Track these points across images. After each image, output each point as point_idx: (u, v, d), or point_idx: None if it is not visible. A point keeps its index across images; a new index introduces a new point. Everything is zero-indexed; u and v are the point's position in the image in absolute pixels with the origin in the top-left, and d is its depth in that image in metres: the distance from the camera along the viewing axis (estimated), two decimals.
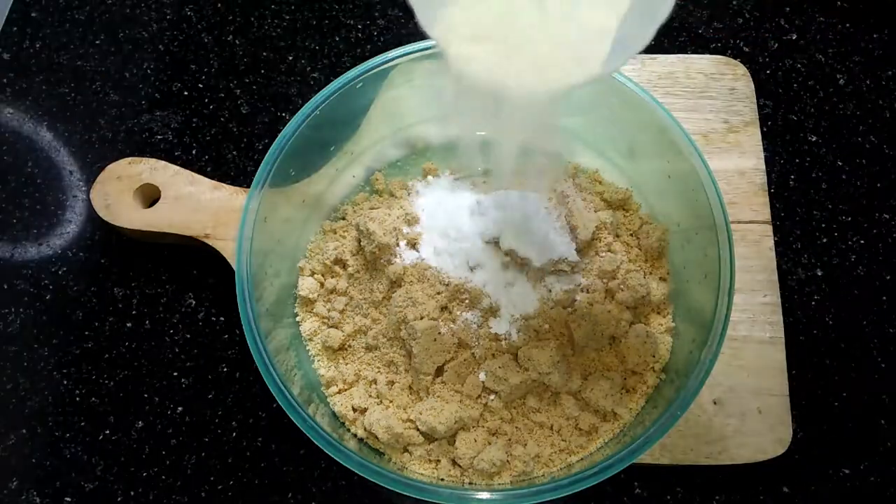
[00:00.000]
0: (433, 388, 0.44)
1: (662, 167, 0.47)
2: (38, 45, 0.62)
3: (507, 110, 0.34)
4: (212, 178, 0.52)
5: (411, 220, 0.47)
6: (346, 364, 0.46)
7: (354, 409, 0.44)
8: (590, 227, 0.46)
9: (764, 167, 0.53)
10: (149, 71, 0.61)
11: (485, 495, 0.38)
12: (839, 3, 0.63)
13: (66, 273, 0.53)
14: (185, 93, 0.60)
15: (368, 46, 0.61)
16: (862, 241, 0.53)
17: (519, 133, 0.37)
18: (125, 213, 0.51)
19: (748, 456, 0.45)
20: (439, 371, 0.44)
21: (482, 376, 0.43)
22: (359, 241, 0.48)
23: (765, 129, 0.56)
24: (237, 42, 0.62)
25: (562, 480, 0.38)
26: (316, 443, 0.39)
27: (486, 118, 0.36)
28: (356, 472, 0.38)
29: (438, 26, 0.31)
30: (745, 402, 0.46)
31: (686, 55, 0.57)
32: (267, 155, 0.45)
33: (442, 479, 0.42)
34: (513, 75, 0.31)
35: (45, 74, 0.60)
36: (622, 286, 0.45)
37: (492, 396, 0.44)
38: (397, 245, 0.46)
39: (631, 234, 0.49)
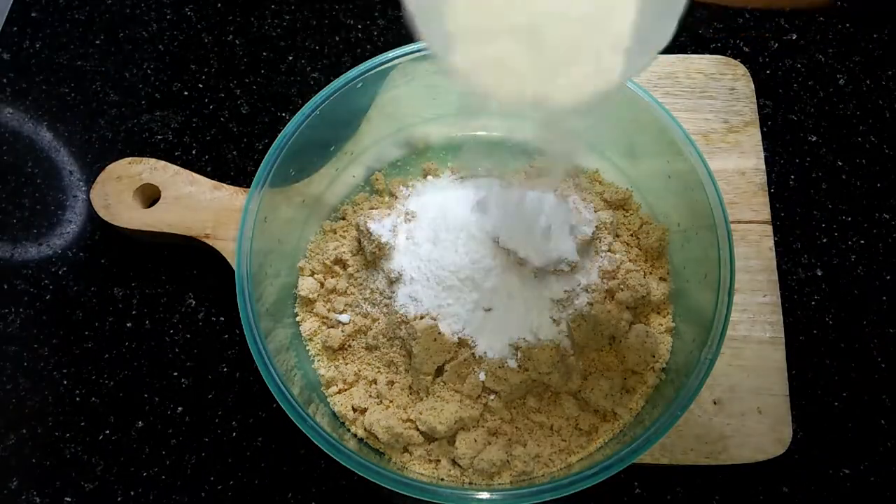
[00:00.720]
0: (433, 388, 0.44)
1: (662, 167, 0.47)
2: (38, 45, 0.62)
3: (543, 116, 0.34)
4: (212, 178, 0.52)
5: (411, 220, 0.47)
6: (346, 364, 0.46)
7: (354, 409, 0.44)
8: (590, 227, 0.46)
9: (764, 167, 0.53)
10: (149, 71, 0.61)
11: (485, 495, 0.38)
12: (839, 3, 0.63)
13: (66, 273, 0.53)
14: (185, 93, 0.60)
15: (368, 46, 0.61)
16: (862, 241, 0.53)
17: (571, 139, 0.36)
18: (125, 213, 0.51)
19: (748, 456, 0.45)
20: (439, 371, 0.44)
21: (482, 376, 0.43)
22: (359, 241, 0.48)
23: (765, 129, 0.56)
24: (237, 42, 0.62)
25: (562, 480, 0.38)
26: (316, 443, 0.39)
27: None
28: (356, 472, 0.38)
29: (451, 54, 0.29)
30: (745, 402, 0.46)
31: (686, 55, 0.57)
32: (267, 155, 0.45)
33: (442, 479, 0.42)
34: (538, 90, 0.30)
35: (45, 74, 0.60)
36: (622, 286, 0.45)
37: (492, 396, 0.44)
38: (397, 245, 0.46)
39: (631, 234, 0.49)
